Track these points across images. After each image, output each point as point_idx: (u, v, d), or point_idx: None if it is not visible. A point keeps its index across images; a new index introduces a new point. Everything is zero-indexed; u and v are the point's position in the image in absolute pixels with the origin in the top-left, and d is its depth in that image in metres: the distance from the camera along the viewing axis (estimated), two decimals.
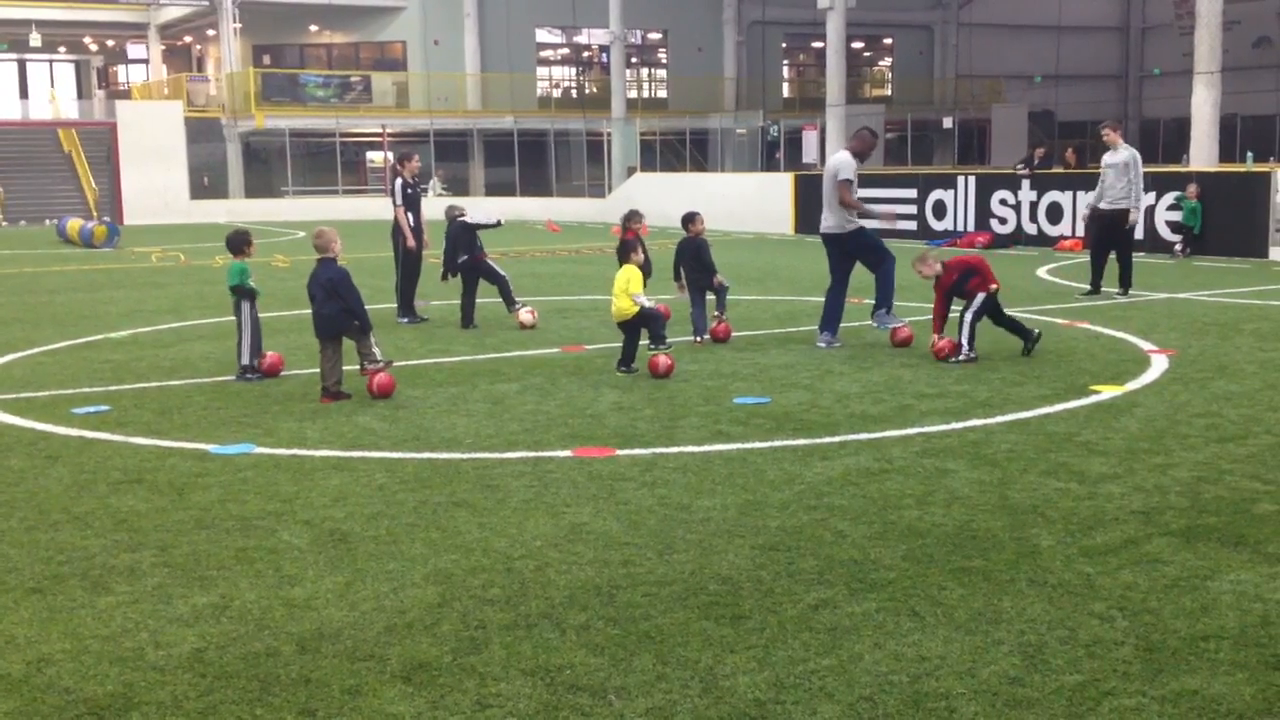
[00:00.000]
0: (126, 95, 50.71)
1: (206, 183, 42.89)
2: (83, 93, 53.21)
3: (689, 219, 11.80)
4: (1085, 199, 16.00)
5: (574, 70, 52.79)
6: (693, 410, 8.40)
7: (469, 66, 47.01)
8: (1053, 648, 4.28)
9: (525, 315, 12.79)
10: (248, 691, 4.03)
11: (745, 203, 30.80)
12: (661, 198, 34.54)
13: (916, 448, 7.20)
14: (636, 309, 9.84)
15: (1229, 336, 11.33)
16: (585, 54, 52.18)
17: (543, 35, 49.92)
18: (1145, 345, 10.84)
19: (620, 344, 10.08)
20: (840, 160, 11.16)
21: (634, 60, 50.41)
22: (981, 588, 4.87)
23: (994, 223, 23.97)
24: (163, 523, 5.92)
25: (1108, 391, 8.76)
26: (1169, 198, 20.69)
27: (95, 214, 37.65)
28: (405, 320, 13.40)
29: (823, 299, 11.40)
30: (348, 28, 47.69)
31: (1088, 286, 14.74)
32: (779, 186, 30.31)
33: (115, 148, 39.79)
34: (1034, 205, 23.10)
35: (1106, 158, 14.66)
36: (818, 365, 10.12)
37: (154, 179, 39.43)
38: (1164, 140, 52.51)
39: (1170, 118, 49.14)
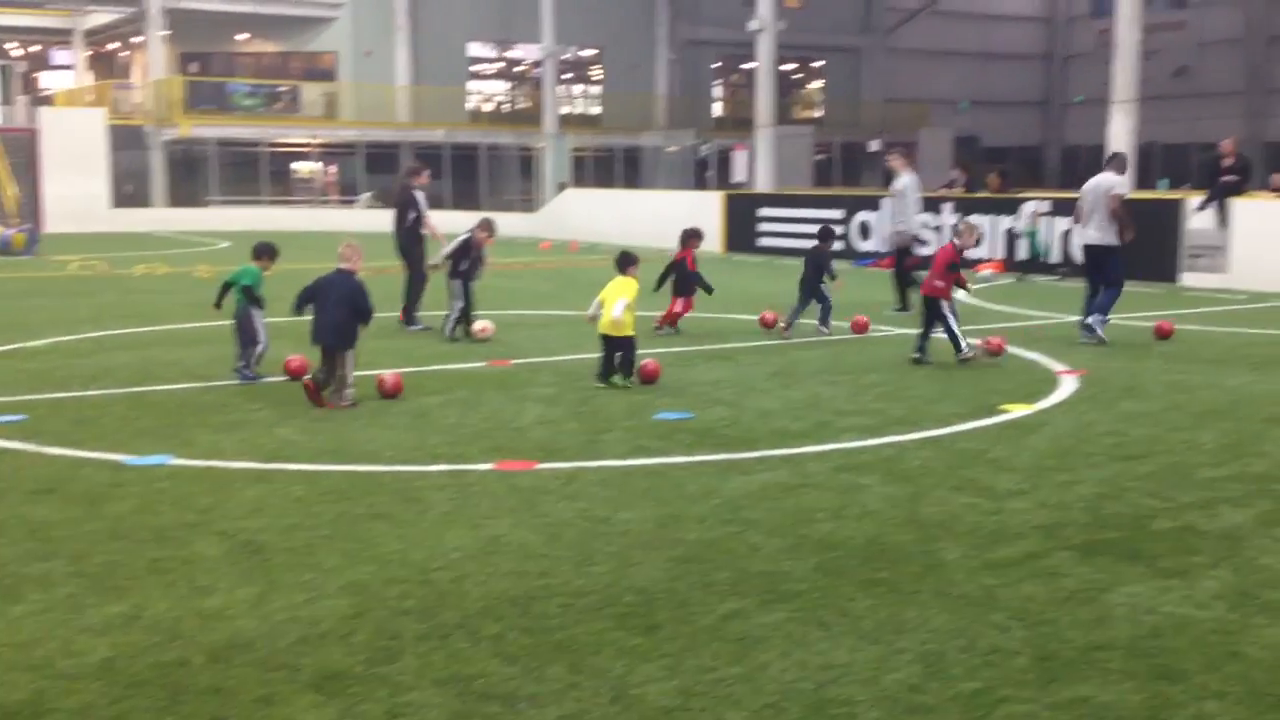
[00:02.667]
0: (50, 101, 49.82)
1: (130, 191, 42.25)
2: (5, 98, 52.21)
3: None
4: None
5: (507, 85, 52.78)
6: (616, 425, 8.49)
7: (400, 78, 46.83)
8: (952, 656, 4.42)
9: (478, 327, 12.95)
10: (158, 700, 4.04)
11: (677, 221, 30.75)
12: (593, 214, 34.68)
13: (833, 463, 7.34)
14: (630, 331, 9.88)
15: (1139, 358, 11.65)
16: (518, 69, 52.21)
17: (475, 49, 49.86)
18: (1057, 366, 11.10)
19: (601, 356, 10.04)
20: (1114, 179, 13.20)
21: (567, 76, 50.55)
22: (888, 599, 5.01)
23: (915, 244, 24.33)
24: (76, 533, 5.88)
25: (1018, 410, 8.99)
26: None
27: (15, 221, 36.93)
28: (416, 328, 13.72)
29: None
30: (277, 37, 47.31)
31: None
32: (710, 205, 30.53)
33: (37, 154, 39.09)
34: (955, 228, 23.49)
35: (893, 184, 15.59)
36: (741, 382, 10.26)
37: (76, 186, 38.75)
38: (1085, 166, 53.59)
39: (1091, 144, 50.15)
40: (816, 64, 56.14)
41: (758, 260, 26.98)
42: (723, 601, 4.99)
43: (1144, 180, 31.66)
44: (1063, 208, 21.98)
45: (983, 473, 7.10)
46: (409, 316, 13.88)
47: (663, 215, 31.63)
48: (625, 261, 10.32)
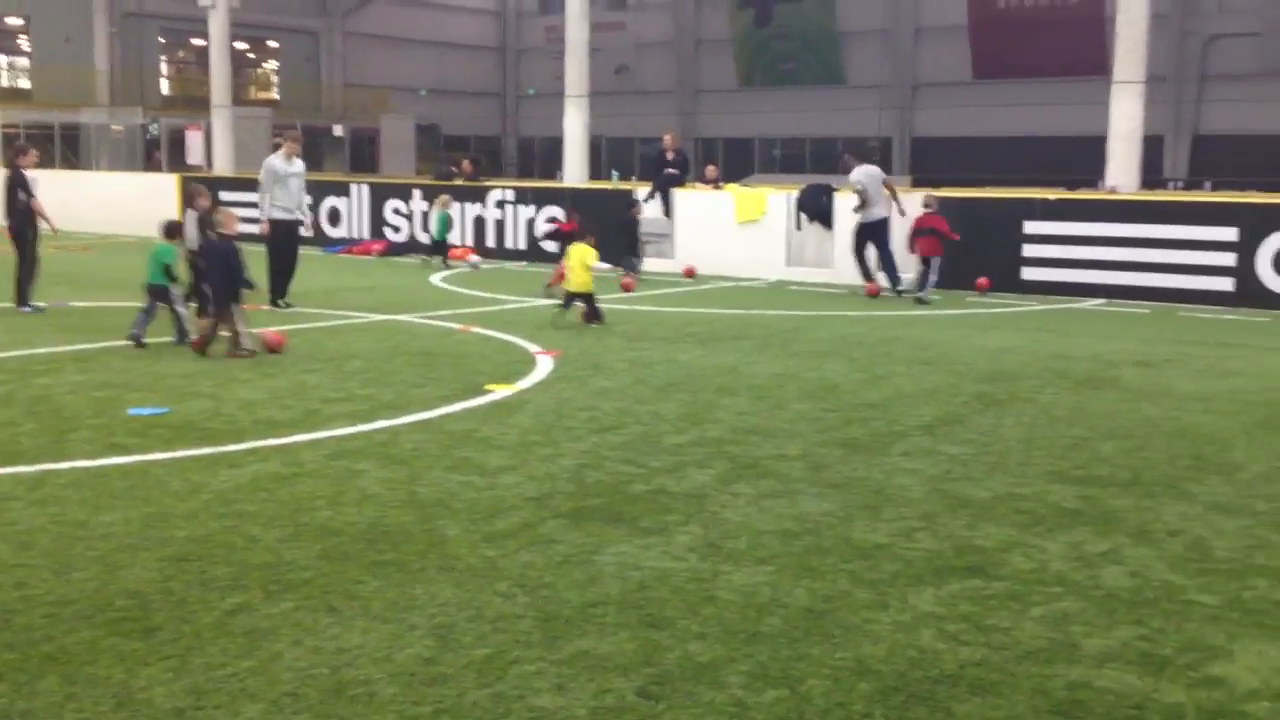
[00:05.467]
0: None
1: None
2: None
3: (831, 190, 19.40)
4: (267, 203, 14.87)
5: None
6: (83, 423, 7.91)
7: None
8: (462, 627, 4.59)
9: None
10: None
11: (125, 205, 29.01)
12: None
13: (327, 450, 7.30)
14: (591, 286, 13.02)
15: (602, 338, 12.47)
16: None
17: None
18: (532, 347, 11.66)
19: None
20: (873, 171, 17.54)
21: None
22: (395, 578, 5.10)
23: (388, 231, 24.50)
24: None
25: (501, 390, 9.37)
26: (548, 210, 22.31)
27: None
28: (27, 310, 13.69)
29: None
30: None
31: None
32: (163, 188, 28.86)
33: None
34: (425, 215, 23.87)
35: (286, 166, 14.91)
36: (220, 373, 9.89)
37: None
38: (539, 157, 56.36)
39: (544, 136, 52.76)
40: (271, 44, 54.65)
41: None
42: (225, 597, 4.85)
43: (596, 171, 33.73)
44: (524, 196, 23.02)
45: (474, 451, 7.35)
46: (22, 298, 13.81)
47: (109, 199, 29.56)
48: (584, 231, 13.80)
